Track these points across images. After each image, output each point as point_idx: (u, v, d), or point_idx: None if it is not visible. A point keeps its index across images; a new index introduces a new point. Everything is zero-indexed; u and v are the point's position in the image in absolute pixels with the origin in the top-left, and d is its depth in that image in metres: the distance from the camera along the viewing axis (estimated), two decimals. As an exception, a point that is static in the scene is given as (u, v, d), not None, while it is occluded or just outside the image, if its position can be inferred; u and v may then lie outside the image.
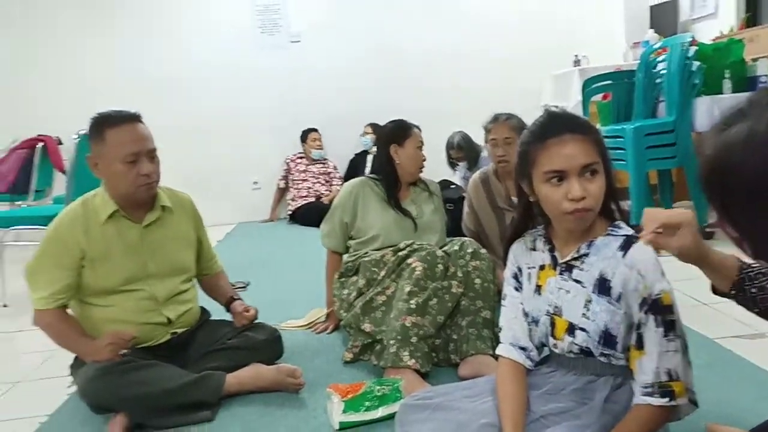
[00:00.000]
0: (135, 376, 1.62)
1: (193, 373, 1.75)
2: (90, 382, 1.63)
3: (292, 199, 5.27)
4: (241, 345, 1.91)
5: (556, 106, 3.27)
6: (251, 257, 3.81)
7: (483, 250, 2.03)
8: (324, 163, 5.38)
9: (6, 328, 2.82)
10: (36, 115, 4.95)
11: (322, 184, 5.30)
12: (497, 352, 1.36)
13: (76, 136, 3.08)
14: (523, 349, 1.31)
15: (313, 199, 5.16)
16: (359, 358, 2.00)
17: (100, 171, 1.79)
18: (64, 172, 4.73)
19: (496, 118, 2.42)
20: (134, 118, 1.80)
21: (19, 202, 4.56)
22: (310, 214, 4.90)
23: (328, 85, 5.39)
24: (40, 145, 4.63)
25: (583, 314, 1.21)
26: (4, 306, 3.19)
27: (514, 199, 2.31)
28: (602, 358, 1.22)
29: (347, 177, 5.18)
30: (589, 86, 3.73)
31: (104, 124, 1.76)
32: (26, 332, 2.70)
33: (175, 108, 5.03)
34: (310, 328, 2.40)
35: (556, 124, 1.21)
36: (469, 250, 1.98)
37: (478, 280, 1.94)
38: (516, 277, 1.36)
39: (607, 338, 1.19)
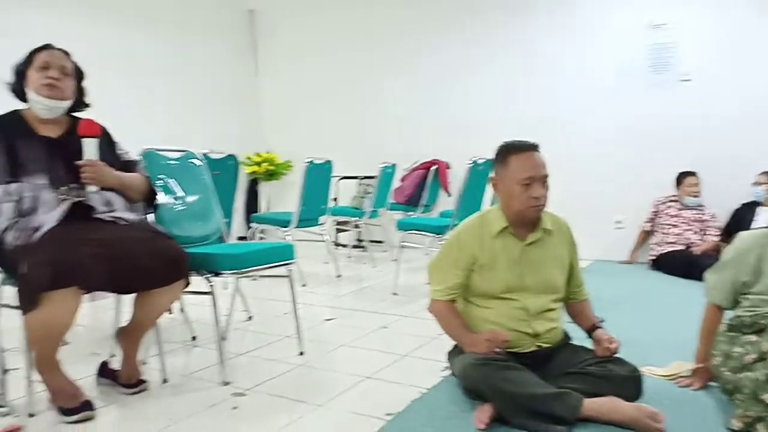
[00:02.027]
0: (507, 373, 1.82)
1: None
2: (468, 368, 1.90)
3: (657, 244, 4.95)
4: (600, 374, 1.93)
5: None
6: (607, 296, 3.75)
7: None
8: (699, 210, 4.91)
9: (395, 312, 3.42)
10: (435, 142, 5.86)
11: (695, 233, 4.84)
12: None
13: (470, 163, 3.55)
14: None
15: (681, 247, 4.76)
16: (748, 429, 1.77)
17: (499, 191, 2.07)
18: (447, 191, 5.50)
19: None
20: (533, 147, 2.03)
21: (411, 213, 5.47)
22: (676, 263, 4.55)
23: (713, 125, 4.92)
24: (433, 167, 5.48)
25: None
26: (394, 294, 3.89)
27: None
28: None
29: (728, 229, 4.63)
30: None
31: (509, 151, 2.03)
32: (410, 318, 3.26)
33: (552, 142, 5.30)
34: (671, 379, 2.26)
35: None
36: None
37: None
38: None
39: None
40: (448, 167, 5.65)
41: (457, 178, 5.20)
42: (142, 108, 5.43)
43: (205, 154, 2.87)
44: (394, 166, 5.36)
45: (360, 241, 6.05)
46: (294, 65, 6.95)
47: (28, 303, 1.78)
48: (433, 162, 5.60)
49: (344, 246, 5.97)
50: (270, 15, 7.11)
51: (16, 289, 1.85)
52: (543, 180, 2.01)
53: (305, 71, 6.88)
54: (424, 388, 2.15)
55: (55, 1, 4.96)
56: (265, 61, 7.18)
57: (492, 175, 2.12)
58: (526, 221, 2.06)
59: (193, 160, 2.76)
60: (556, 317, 2.13)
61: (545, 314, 2.08)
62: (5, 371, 2.06)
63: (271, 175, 6.63)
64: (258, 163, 6.56)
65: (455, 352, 2.12)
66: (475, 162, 3.66)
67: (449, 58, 6.02)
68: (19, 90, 2.14)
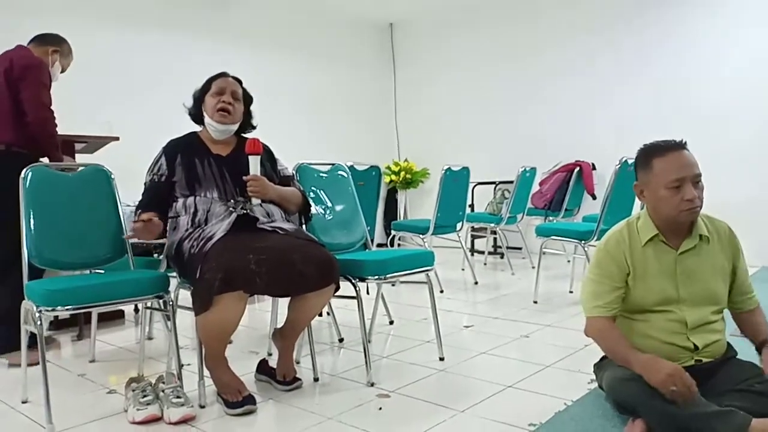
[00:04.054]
0: (662, 388, 1.71)
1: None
2: (619, 382, 1.81)
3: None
4: (769, 393, 1.75)
5: None
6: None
7: None
8: None
9: (536, 321, 3.34)
10: (577, 143, 5.63)
11: None
12: None
13: (618, 164, 3.38)
14: None
15: None
16: None
17: (645, 198, 1.94)
18: (592, 195, 5.26)
19: None
20: (680, 146, 1.87)
21: (551, 218, 5.30)
22: None
23: None
24: (576, 169, 5.27)
25: None
26: (534, 302, 3.80)
27: None
28: None
29: None
30: None
31: (652, 153, 1.89)
32: (552, 328, 3.17)
33: (709, 137, 4.88)
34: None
35: None
36: None
37: None
38: None
39: None
40: (593, 168, 5.40)
41: (603, 180, 4.95)
42: (292, 125, 5.85)
43: (350, 166, 3.03)
44: (534, 169, 5.23)
45: (497, 247, 5.98)
46: (430, 75, 7.10)
47: (201, 305, 2.01)
48: (576, 164, 5.38)
49: (480, 252, 5.93)
50: (409, 27, 7.31)
51: (191, 292, 2.10)
52: (695, 180, 1.85)
53: (441, 81, 6.98)
54: (569, 400, 2.09)
55: (214, 35, 5.53)
56: (403, 72, 7.40)
57: (636, 182, 1.99)
58: (679, 227, 1.92)
59: (340, 172, 2.93)
60: (719, 329, 1.95)
61: (705, 327, 1.91)
62: (181, 366, 2.32)
63: (408, 183, 6.79)
64: (396, 172, 6.75)
65: (603, 365, 2.03)
66: (624, 162, 3.46)
67: (597, 60, 5.79)
68: (196, 114, 2.44)
